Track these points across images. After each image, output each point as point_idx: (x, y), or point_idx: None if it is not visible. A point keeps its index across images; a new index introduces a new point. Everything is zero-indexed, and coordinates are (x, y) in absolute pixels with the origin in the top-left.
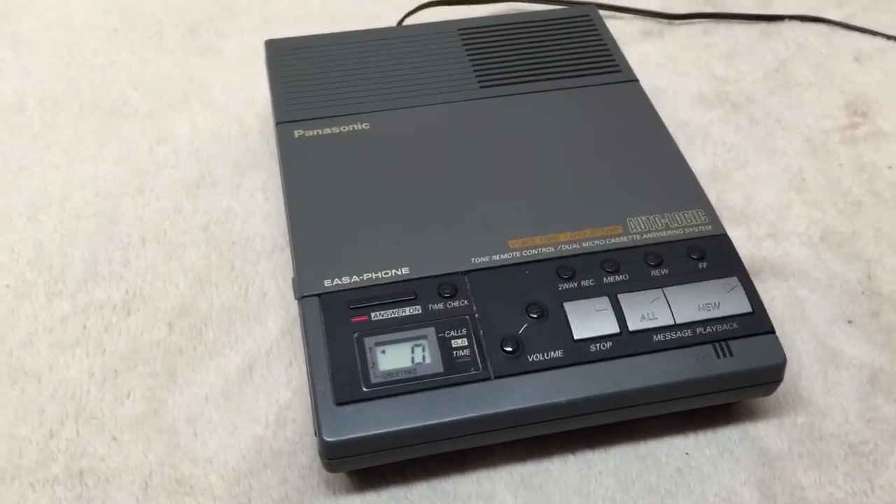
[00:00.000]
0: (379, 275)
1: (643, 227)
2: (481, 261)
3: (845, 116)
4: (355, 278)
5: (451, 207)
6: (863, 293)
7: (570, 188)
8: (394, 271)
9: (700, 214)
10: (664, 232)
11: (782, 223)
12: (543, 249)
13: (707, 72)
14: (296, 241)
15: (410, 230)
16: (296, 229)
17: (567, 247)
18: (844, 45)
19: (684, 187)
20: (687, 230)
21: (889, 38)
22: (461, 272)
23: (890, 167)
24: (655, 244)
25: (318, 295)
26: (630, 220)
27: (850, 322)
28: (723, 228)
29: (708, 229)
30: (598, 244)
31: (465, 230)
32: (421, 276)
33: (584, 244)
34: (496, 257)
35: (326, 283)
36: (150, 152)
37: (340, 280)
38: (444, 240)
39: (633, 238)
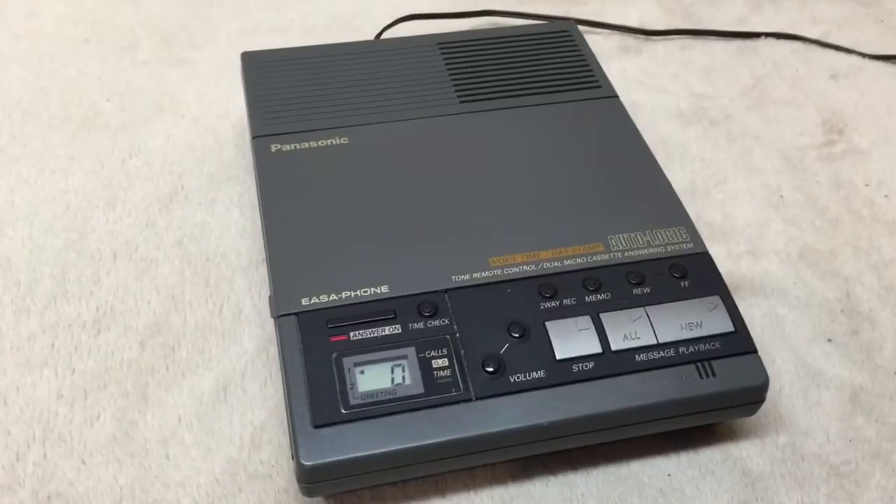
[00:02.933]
0: (358, 293)
1: (624, 244)
2: (462, 279)
3: (822, 134)
4: (333, 297)
5: (431, 224)
6: (842, 311)
7: (552, 205)
8: (373, 289)
9: (681, 232)
10: (645, 250)
11: (761, 240)
12: (525, 267)
13: (685, 88)
14: (273, 259)
15: (389, 248)
16: (273, 246)
17: (549, 265)
18: (820, 62)
19: (665, 205)
20: (668, 248)
21: (864, 55)
22: (442, 290)
23: (867, 184)
24: (637, 262)
25: (296, 314)
26: (611, 238)
27: (829, 340)
28: (704, 246)
29: (689, 247)
30: (579, 262)
31: (445, 247)
32: (401, 294)
33: (565, 262)
34: (477, 275)
35: (304, 301)
36: (122, 165)
37: (318, 298)
38: (424, 257)
39: (614, 256)
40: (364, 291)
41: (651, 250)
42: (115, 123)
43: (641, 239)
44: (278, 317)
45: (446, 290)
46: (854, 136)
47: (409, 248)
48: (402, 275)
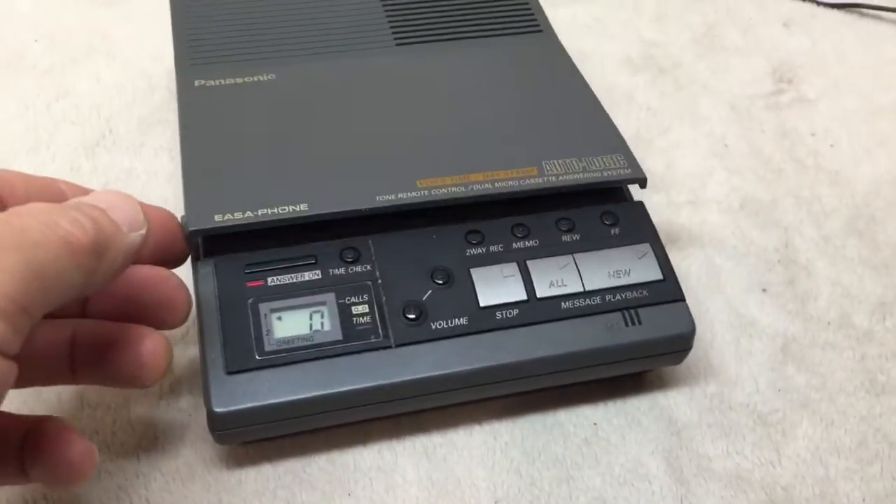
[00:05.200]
0: (275, 210)
1: (559, 169)
2: (387, 199)
3: (771, 83)
4: (248, 214)
5: (359, 151)
6: (779, 261)
7: (485, 133)
8: (291, 207)
9: (619, 159)
10: (581, 174)
11: (702, 190)
12: (454, 189)
13: (635, 35)
14: (187, 176)
15: (312, 168)
16: (188, 165)
17: (479, 187)
18: (773, 10)
19: (603, 133)
20: (605, 173)
21: (818, 3)
22: (366, 209)
23: (813, 134)
24: (570, 189)
25: (213, 258)
26: (545, 163)
27: (764, 290)
28: (642, 172)
29: (627, 173)
30: (511, 185)
31: (371, 169)
32: (320, 212)
33: (496, 184)
34: (403, 195)
35: (217, 217)
36: (47, 108)
37: (233, 215)
38: (348, 177)
39: (548, 180)
40: (282, 209)
41: (586, 175)
42: (43, 65)
43: (577, 164)
44: (190, 233)
45: (370, 214)
46: (803, 85)
47: (332, 169)
48: (323, 193)
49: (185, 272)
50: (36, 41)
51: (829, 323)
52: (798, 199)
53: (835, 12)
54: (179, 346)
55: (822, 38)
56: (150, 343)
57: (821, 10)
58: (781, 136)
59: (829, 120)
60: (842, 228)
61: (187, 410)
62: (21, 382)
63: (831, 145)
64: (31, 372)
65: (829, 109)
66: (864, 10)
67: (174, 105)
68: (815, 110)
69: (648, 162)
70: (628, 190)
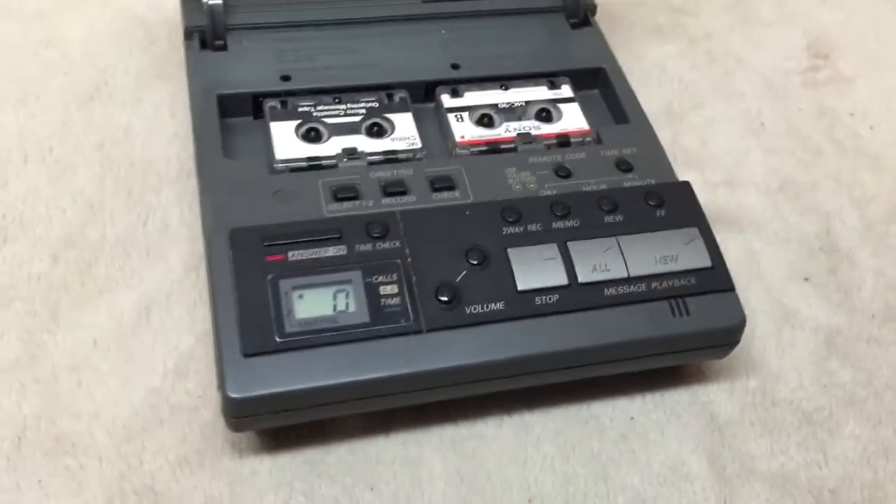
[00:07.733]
0: None
1: None
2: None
3: (807, 58)
4: None
5: None
6: (820, 248)
7: None
8: None
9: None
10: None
11: (739, 170)
12: None
13: (664, 1)
14: None
15: None
16: None
17: None
18: None
19: None
20: None
21: None
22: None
23: (851, 114)
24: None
25: (229, 229)
26: None
27: (806, 279)
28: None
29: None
30: None
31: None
32: None
33: None
34: None
35: None
36: (35, 57)
37: None
38: None
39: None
40: None
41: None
42: (30, 10)
43: None
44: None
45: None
46: (839, 62)
47: None
48: None
49: (194, 240)
50: None
51: (873, 315)
52: (839, 182)
53: None
54: (185, 321)
55: (857, 13)
56: None
57: None
58: (819, 115)
59: (868, 100)
60: (884, 216)
61: (195, 392)
62: None
63: (871, 127)
64: None
65: (867, 89)
66: None
67: (176, 58)
68: (852, 89)
69: (682, 138)
70: None
